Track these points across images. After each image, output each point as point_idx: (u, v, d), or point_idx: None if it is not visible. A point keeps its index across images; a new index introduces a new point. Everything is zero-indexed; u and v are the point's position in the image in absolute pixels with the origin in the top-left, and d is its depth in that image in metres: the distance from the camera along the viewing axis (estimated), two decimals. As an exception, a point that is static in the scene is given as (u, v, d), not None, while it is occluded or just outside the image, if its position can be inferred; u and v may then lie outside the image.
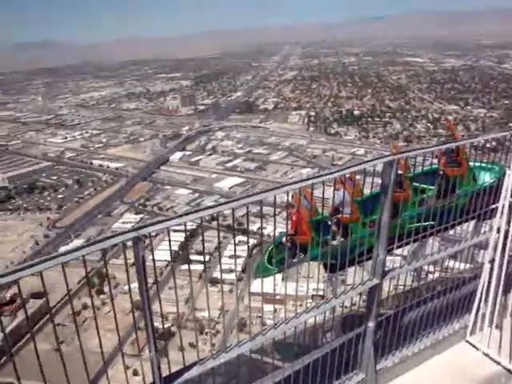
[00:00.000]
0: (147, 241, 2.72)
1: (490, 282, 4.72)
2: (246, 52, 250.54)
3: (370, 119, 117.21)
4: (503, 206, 4.61)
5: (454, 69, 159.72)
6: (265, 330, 3.35)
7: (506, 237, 4.66)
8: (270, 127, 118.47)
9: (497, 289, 4.74)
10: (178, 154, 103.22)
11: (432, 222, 7.02)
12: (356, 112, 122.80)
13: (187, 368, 2.96)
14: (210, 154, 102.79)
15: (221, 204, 2.88)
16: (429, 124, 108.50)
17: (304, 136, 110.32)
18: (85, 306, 42.82)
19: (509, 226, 4.66)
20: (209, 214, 2.82)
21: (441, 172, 7.52)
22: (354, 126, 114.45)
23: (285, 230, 7.42)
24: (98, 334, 2.75)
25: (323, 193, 3.62)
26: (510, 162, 4.52)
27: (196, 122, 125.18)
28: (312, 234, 8.78)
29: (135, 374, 24.95)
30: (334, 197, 8.79)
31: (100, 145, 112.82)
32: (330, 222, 8.63)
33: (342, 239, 8.49)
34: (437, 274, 6.23)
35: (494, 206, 6.36)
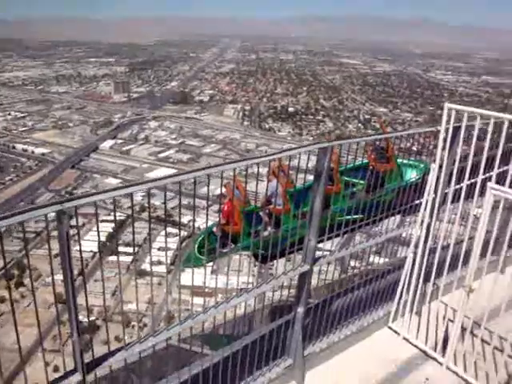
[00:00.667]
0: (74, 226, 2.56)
1: (412, 272, 4.97)
2: (183, 42, 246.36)
3: (303, 116, 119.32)
4: (427, 200, 4.84)
5: (386, 73, 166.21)
6: (195, 314, 3.29)
7: (428, 229, 4.91)
8: (205, 119, 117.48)
9: (418, 278, 5.00)
10: (108, 142, 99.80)
11: (361, 216, 7.31)
12: (291, 109, 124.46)
13: (112, 353, 2.82)
14: (143, 144, 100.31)
15: (152, 180, 2.76)
16: (360, 124, 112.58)
17: (238, 130, 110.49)
18: (1, 300, 40.34)
19: (431, 219, 4.91)
20: (139, 189, 2.71)
21: (371, 167, 7.84)
22: (288, 122, 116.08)
23: (216, 221, 7.42)
24: (16, 328, 2.53)
25: (257, 175, 3.57)
26: (434, 157, 4.72)
27: (129, 110, 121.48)
28: (243, 225, 8.92)
29: (56, 370, 23.85)
30: (266, 188, 8.95)
31: (24, 128, 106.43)
32: (261, 214, 8.75)
33: (273, 230, 8.67)
34: (362, 268, 6.44)
35: (417, 202, 6.75)
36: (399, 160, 8.35)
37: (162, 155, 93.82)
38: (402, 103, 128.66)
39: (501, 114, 4.21)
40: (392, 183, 7.81)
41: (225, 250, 9.51)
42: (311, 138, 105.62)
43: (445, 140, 4.56)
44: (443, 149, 4.61)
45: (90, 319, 34.98)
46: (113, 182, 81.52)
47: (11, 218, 2.10)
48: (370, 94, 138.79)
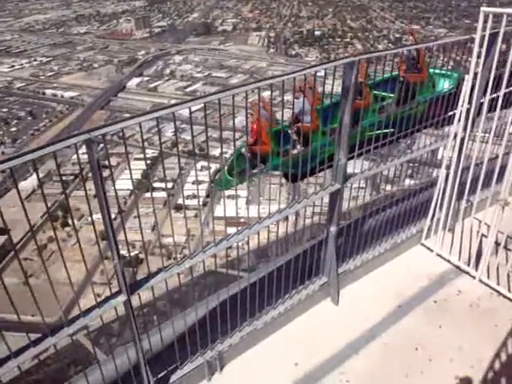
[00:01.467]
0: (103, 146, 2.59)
1: (445, 190, 4.94)
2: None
3: (331, 40, 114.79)
4: (460, 112, 4.68)
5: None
6: (228, 236, 3.37)
7: (461, 143, 4.78)
8: (229, 49, 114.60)
9: (451, 194, 4.97)
10: (135, 80, 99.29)
11: (392, 130, 7.24)
12: (317, 32, 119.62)
13: (152, 275, 2.99)
14: (169, 79, 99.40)
15: (178, 104, 2.79)
16: (390, 44, 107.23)
17: (264, 58, 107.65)
18: (51, 240, 42.42)
19: (465, 132, 4.74)
20: (165, 113, 2.73)
21: (401, 79, 7.63)
22: (315, 46, 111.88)
23: (244, 141, 7.47)
24: (65, 265, 2.65)
25: (282, 93, 3.51)
26: (468, 67, 4.47)
27: (152, 46, 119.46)
28: (272, 145, 8.89)
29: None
30: (293, 105, 8.88)
31: (51, 73, 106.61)
32: (290, 132, 8.73)
33: (302, 148, 8.74)
34: (395, 188, 6.46)
35: (451, 113, 6.55)
36: (431, 70, 8.06)
37: (189, 89, 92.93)
38: (435, 18, 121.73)
39: None
40: (424, 94, 7.77)
41: (254, 171, 9.65)
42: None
43: (480, 48, 4.23)
44: (478, 57, 4.29)
45: (132, 254, 36.61)
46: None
47: (44, 148, 2.17)
48: (400, 11, 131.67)
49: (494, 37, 4.16)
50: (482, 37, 4.16)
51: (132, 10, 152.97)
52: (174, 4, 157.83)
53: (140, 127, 2.74)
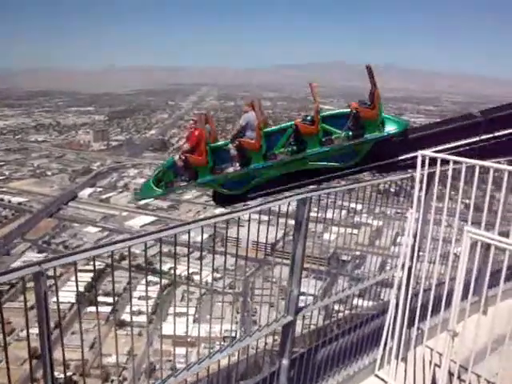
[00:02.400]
0: (52, 281, 2.57)
1: (395, 317, 4.97)
2: (163, 90, 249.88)
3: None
4: (406, 243, 4.92)
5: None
6: (177, 371, 3.40)
7: (409, 273, 4.95)
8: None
9: (402, 322, 4.99)
10: (87, 190, 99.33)
11: (337, 164, 7.88)
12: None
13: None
14: (122, 191, 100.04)
15: (131, 238, 2.82)
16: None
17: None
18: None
19: (412, 262, 4.99)
20: (119, 248, 2.72)
21: (353, 112, 8.14)
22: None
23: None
24: None
25: (238, 230, 3.68)
26: (411, 202, 4.88)
27: (108, 158, 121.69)
28: (208, 159, 8.58)
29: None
30: (241, 119, 8.72)
31: (1, 177, 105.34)
32: (230, 146, 8.60)
33: (239, 168, 8.57)
34: (347, 312, 6.29)
35: (395, 160, 7.16)
36: (382, 113, 8.46)
37: (141, 202, 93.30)
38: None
39: (471, 160, 4.37)
40: (372, 132, 8.10)
41: (182, 184, 9.07)
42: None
43: (421, 185, 4.72)
44: (420, 193, 4.75)
45: (67, 374, 33.85)
46: (92, 230, 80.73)
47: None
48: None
49: (432, 175, 4.70)
50: (422, 175, 4.69)
51: (92, 122, 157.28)
52: (134, 120, 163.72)
53: (94, 260, 2.74)
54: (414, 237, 4.91)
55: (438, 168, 4.57)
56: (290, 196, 3.94)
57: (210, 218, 3.40)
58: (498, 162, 4.76)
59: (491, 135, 7.82)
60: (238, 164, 8.58)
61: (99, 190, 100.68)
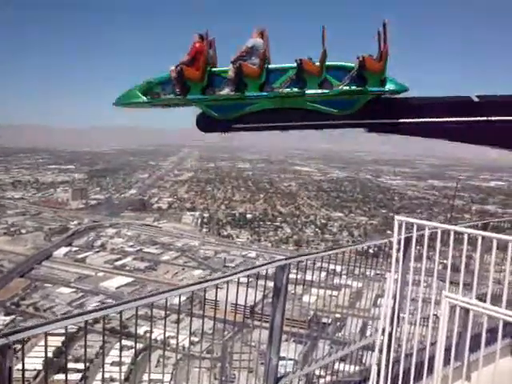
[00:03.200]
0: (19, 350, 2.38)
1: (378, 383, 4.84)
2: (144, 150, 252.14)
3: (261, 223, 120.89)
4: (386, 307, 4.88)
5: (339, 179, 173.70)
6: None
7: (389, 338, 4.86)
8: (163, 227, 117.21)
9: None
10: (63, 250, 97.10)
11: (333, 110, 8.16)
12: (248, 215, 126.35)
13: None
14: (99, 251, 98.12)
15: (107, 307, 2.81)
16: (317, 229, 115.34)
17: (197, 237, 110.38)
18: None
19: (392, 325, 4.94)
20: (93, 317, 2.65)
21: (360, 59, 8.06)
22: (246, 228, 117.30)
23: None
24: None
25: (216, 295, 3.72)
26: (389, 266, 4.91)
27: (86, 217, 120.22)
28: (204, 76, 8.25)
29: None
30: (248, 42, 8.33)
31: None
32: (230, 67, 8.25)
33: (233, 93, 8.22)
34: (328, 378, 6.19)
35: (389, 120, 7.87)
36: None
37: (118, 263, 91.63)
38: (356, 207, 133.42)
39: (446, 226, 4.48)
40: (374, 85, 8.11)
41: (170, 96, 8.47)
42: (269, 245, 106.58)
43: (398, 250, 4.77)
44: (398, 257, 4.78)
45: None
46: (65, 291, 78.09)
47: None
48: (325, 200, 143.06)
49: (408, 240, 4.77)
50: (399, 240, 4.75)
51: (71, 181, 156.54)
52: (114, 179, 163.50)
53: (66, 330, 2.60)
54: (394, 298, 4.91)
55: (415, 233, 4.60)
56: (269, 263, 3.92)
57: (199, 283, 3.47)
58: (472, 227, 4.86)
59: (484, 118, 8.01)
60: (233, 88, 8.25)
61: (75, 249, 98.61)
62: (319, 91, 8.15)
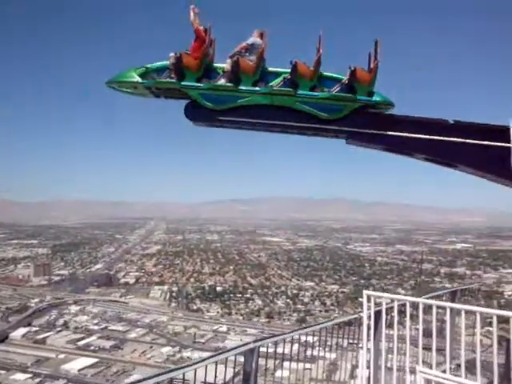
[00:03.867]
0: None
1: None
2: (110, 224, 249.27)
3: (232, 295, 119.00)
4: (361, 376, 4.86)
5: (308, 248, 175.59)
6: None
7: None
8: (130, 302, 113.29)
9: None
10: (21, 330, 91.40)
11: (321, 113, 8.55)
12: (218, 288, 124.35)
13: None
14: (61, 331, 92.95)
15: None
16: (288, 300, 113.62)
17: (165, 312, 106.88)
18: None
19: None
20: None
21: (351, 69, 8.61)
22: (216, 302, 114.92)
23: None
24: None
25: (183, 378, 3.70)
26: (360, 338, 5.15)
27: (48, 294, 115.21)
28: (201, 65, 8.39)
29: None
30: (248, 40, 8.67)
31: None
32: (227, 61, 8.44)
33: (227, 85, 8.43)
34: None
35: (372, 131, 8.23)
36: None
37: (82, 343, 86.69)
38: (326, 276, 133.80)
39: (414, 299, 4.49)
40: (360, 95, 8.51)
41: (165, 79, 8.54)
42: (241, 318, 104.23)
43: (369, 325, 4.72)
44: (368, 332, 4.74)
45: None
46: (20, 377, 72.33)
47: None
48: (296, 270, 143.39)
49: (378, 314, 4.74)
50: (369, 314, 4.69)
51: (34, 256, 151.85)
52: (79, 254, 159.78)
53: None
54: (369, 369, 4.92)
55: (384, 308, 4.73)
56: (238, 347, 3.78)
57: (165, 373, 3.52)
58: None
59: (457, 139, 8.64)
60: (228, 81, 8.45)
61: (35, 329, 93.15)
62: (310, 93, 8.50)
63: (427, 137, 8.76)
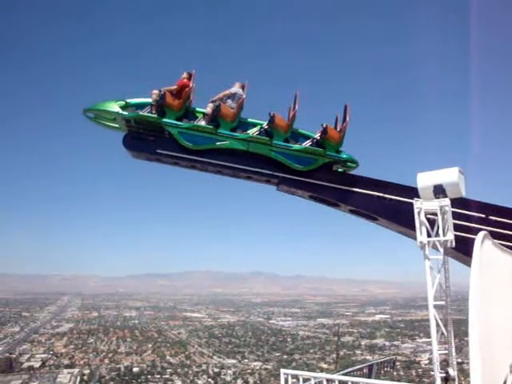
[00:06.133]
0: None
1: None
2: (19, 300, 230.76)
3: (149, 376, 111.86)
4: None
5: (230, 324, 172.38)
6: None
7: None
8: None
9: None
10: None
11: (294, 164, 8.97)
12: (135, 369, 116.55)
13: None
14: None
15: None
16: (210, 379, 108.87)
17: None
18: None
19: None
20: None
21: (323, 127, 9.62)
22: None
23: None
24: None
25: None
26: None
27: None
28: (183, 107, 8.71)
29: None
30: (232, 88, 9.33)
31: None
32: (209, 104, 8.66)
33: (205, 126, 8.83)
34: None
35: (334, 186, 8.94)
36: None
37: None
38: (249, 352, 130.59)
39: (331, 376, 5.01)
40: (330, 152, 9.22)
41: (145, 114, 8.66)
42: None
43: None
44: None
45: None
46: None
47: None
48: (217, 346, 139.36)
49: None
50: None
51: None
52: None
53: None
54: None
55: None
56: None
57: None
58: None
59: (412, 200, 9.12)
60: (208, 123, 8.71)
61: None
62: (284, 144, 8.99)
63: (366, 192, 9.72)
